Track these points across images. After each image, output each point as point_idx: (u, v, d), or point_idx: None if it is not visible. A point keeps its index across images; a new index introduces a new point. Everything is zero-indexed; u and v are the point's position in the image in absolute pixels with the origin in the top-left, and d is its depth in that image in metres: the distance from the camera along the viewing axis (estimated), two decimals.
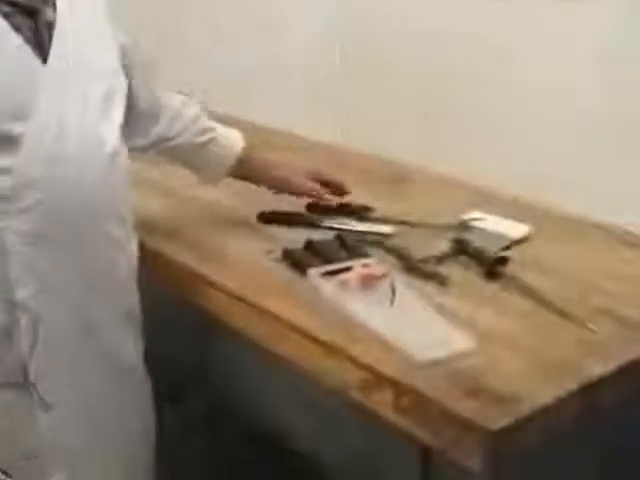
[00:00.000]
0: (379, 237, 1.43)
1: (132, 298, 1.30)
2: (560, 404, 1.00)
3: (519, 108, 1.63)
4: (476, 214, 1.51)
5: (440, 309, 1.17)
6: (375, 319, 1.13)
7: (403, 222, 1.48)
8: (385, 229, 1.45)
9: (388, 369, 1.05)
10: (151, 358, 1.34)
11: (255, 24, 2.18)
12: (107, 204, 1.22)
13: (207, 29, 2.26)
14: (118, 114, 1.25)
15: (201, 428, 1.66)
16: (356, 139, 1.91)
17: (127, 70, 1.30)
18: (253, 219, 1.52)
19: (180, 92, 1.47)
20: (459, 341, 1.09)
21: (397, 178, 1.75)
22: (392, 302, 1.18)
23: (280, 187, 1.51)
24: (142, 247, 1.33)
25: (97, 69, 1.23)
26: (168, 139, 1.44)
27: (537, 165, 1.60)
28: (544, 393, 1.00)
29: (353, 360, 1.08)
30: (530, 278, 1.27)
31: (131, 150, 1.31)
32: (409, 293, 1.21)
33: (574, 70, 1.53)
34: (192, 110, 1.47)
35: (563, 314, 1.17)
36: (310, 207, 1.54)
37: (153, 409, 1.35)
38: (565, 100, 1.55)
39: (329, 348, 1.11)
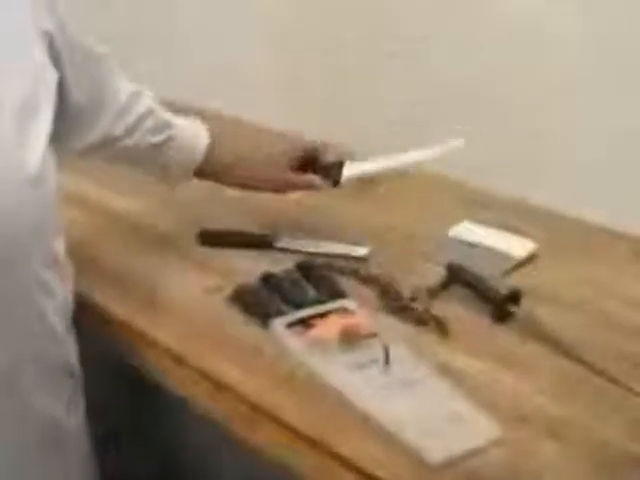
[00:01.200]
0: (351, 261, 1.15)
1: (65, 351, 1.03)
2: None
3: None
4: (468, 225, 1.23)
5: (445, 372, 0.90)
6: (366, 396, 0.86)
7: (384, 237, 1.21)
8: (360, 251, 1.17)
9: (390, 475, 0.78)
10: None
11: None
12: (29, 240, 0.93)
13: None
14: (44, 123, 0.95)
15: None
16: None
17: (56, 61, 1.01)
18: (190, 239, 1.22)
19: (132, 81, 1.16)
20: (481, 428, 0.82)
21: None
22: (385, 369, 0.90)
23: (260, 189, 1.23)
24: None
25: (9, 70, 0.93)
26: (114, 139, 1.14)
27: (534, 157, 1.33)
28: None
29: (342, 460, 0.80)
30: (548, 316, 1.00)
31: (67, 155, 1.05)
32: (404, 351, 0.93)
33: None
34: (144, 103, 1.16)
35: (600, 373, 0.91)
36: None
37: None
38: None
39: (309, 441, 0.83)
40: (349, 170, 1.18)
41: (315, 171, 1.20)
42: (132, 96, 1.15)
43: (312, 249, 1.18)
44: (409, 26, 1.47)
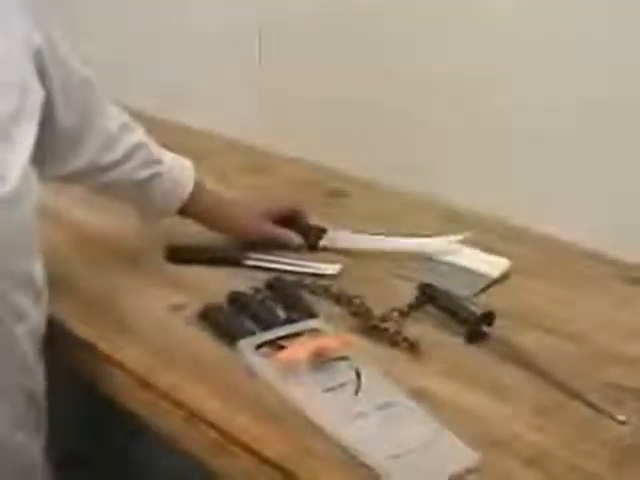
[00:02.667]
0: (322, 279, 1.12)
1: (33, 379, 0.98)
2: None
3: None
4: (437, 241, 1.21)
5: (418, 395, 0.88)
6: (336, 421, 0.83)
7: (355, 255, 1.19)
8: (330, 269, 1.14)
9: None
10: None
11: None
12: (5, 261, 0.89)
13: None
14: (26, 140, 0.91)
15: None
16: (282, 141, 1.59)
17: (43, 78, 0.97)
18: (159, 257, 1.19)
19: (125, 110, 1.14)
20: (457, 454, 0.79)
21: (333, 190, 1.43)
22: (357, 391, 0.87)
23: (238, 236, 1.22)
24: None
25: None
26: (100, 169, 1.10)
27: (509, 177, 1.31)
28: None
29: None
30: (523, 338, 0.98)
31: (50, 180, 1.02)
32: (376, 374, 0.90)
33: None
34: (135, 136, 1.13)
35: (577, 397, 0.89)
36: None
37: None
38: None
39: (278, 468, 0.80)
40: (330, 240, 1.21)
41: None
42: (123, 127, 1.12)
43: (282, 267, 1.15)
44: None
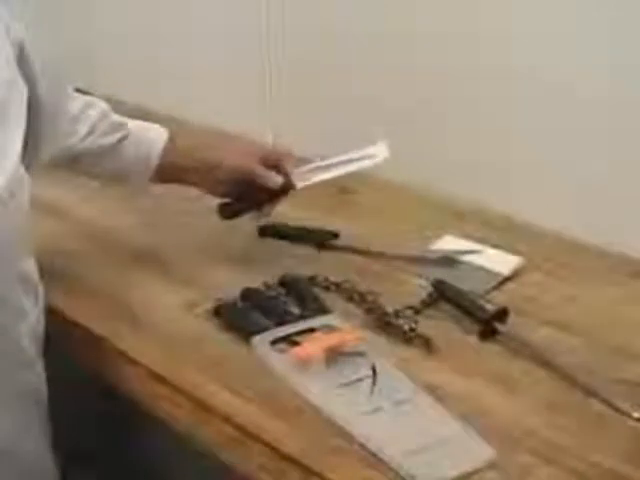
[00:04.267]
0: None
1: (36, 377, 0.98)
2: None
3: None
4: (450, 239, 1.21)
5: (433, 391, 0.88)
6: (352, 417, 0.83)
7: (368, 253, 1.18)
8: (383, 152, 1.14)
9: None
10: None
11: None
12: (1, 262, 0.88)
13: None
14: (16, 136, 0.90)
15: None
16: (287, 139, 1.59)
17: (27, 72, 0.95)
18: (170, 255, 1.19)
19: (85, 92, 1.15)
20: (473, 450, 0.79)
21: (341, 188, 1.44)
22: (372, 389, 0.87)
23: (226, 181, 1.17)
24: None
25: None
26: (68, 149, 1.11)
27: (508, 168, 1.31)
28: None
29: None
30: (536, 335, 0.98)
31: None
32: (390, 370, 0.91)
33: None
34: (96, 110, 1.15)
35: (591, 392, 0.89)
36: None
37: None
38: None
39: (295, 463, 0.80)
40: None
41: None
42: (85, 106, 1.14)
43: (334, 170, 1.15)
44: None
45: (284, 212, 1.21)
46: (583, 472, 0.78)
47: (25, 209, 0.92)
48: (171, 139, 1.18)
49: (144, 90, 1.85)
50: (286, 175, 1.15)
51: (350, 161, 1.15)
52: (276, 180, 1.14)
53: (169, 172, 1.18)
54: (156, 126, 1.20)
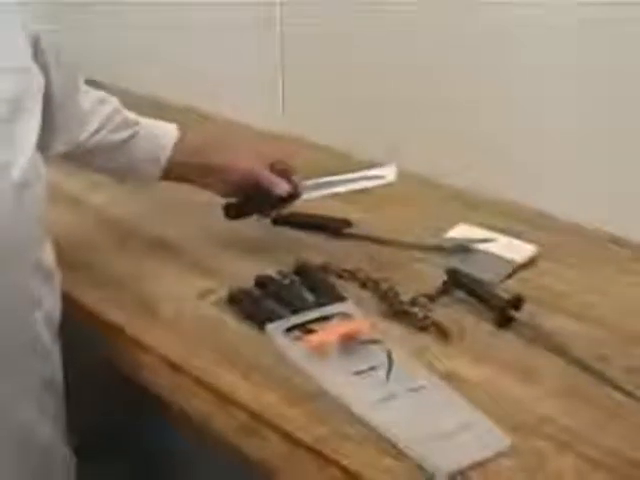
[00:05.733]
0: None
1: (51, 365, 0.98)
2: None
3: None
4: (465, 228, 1.21)
5: (448, 378, 0.88)
6: (368, 404, 0.83)
7: (382, 241, 1.18)
8: (391, 173, 1.16)
9: None
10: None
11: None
12: (15, 248, 0.88)
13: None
14: (30, 127, 0.90)
15: None
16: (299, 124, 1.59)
17: (42, 64, 0.95)
18: (184, 243, 1.20)
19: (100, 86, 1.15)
20: (489, 438, 0.79)
21: None
22: (388, 375, 0.87)
23: (232, 183, 1.17)
24: None
25: None
26: (78, 146, 1.11)
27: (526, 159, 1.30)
28: None
29: (344, 471, 0.78)
30: (551, 322, 0.98)
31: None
32: (406, 357, 0.91)
33: None
34: (108, 106, 1.15)
35: (605, 379, 0.89)
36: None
37: None
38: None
39: (310, 451, 0.80)
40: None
41: None
42: (97, 102, 1.14)
43: (340, 187, 1.17)
44: None
45: (298, 201, 1.21)
46: (598, 459, 0.78)
47: (41, 198, 0.92)
48: (181, 138, 1.18)
49: (160, 82, 1.86)
50: (293, 182, 1.16)
51: (357, 179, 1.16)
52: (283, 187, 1.15)
53: (177, 171, 1.19)
54: (167, 124, 1.20)
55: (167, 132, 1.19)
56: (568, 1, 1.20)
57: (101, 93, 1.16)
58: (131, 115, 1.18)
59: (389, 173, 1.16)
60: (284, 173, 1.16)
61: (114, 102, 1.17)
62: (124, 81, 1.82)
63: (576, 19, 1.19)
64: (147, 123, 1.20)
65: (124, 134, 1.16)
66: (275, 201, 1.16)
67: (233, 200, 1.19)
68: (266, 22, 1.62)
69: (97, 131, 1.14)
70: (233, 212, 1.19)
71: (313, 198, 1.17)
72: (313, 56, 1.57)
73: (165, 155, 1.18)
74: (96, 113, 1.13)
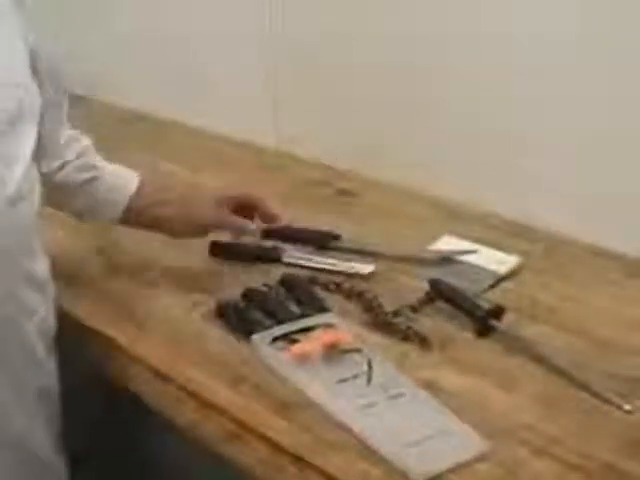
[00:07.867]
0: (337, 277, 1.15)
1: (46, 374, 1.01)
2: None
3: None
4: (448, 239, 1.23)
5: (429, 387, 0.90)
6: (349, 411, 0.85)
7: (361, 253, 1.21)
8: (365, 269, 1.16)
9: None
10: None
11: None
12: (6, 259, 0.91)
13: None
14: (28, 140, 0.93)
15: None
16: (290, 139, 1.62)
17: (39, 82, 0.98)
18: (173, 256, 1.22)
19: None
20: (467, 442, 0.81)
21: (339, 190, 1.46)
22: (369, 383, 0.89)
23: (194, 224, 1.18)
24: None
25: None
26: (46, 176, 1.09)
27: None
28: None
29: (326, 476, 0.80)
30: (531, 332, 1.01)
31: None
32: (387, 366, 0.93)
33: None
34: (79, 145, 1.15)
35: (583, 386, 0.91)
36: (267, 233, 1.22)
37: None
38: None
39: (294, 458, 0.82)
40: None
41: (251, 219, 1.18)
42: (70, 138, 1.14)
43: (318, 265, 1.18)
44: None
45: (284, 214, 1.23)
46: (576, 464, 0.80)
47: (35, 210, 0.95)
48: (140, 189, 1.17)
49: (145, 94, 1.87)
50: (267, 214, 1.17)
51: (337, 265, 1.18)
52: (251, 228, 1.16)
53: (137, 220, 1.18)
54: (129, 172, 1.19)
55: (127, 182, 1.17)
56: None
57: (75, 132, 1.15)
58: (97, 160, 1.17)
59: (366, 268, 1.17)
60: (254, 207, 1.17)
61: (85, 142, 1.17)
62: (109, 95, 1.84)
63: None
64: (110, 169, 1.18)
65: (85, 175, 1.15)
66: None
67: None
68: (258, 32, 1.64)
69: (63, 166, 1.13)
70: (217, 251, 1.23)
71: (293, 263, 1.20)
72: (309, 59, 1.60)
73: (122, 204, 1.16)
74: (69, 148, 1.13)
